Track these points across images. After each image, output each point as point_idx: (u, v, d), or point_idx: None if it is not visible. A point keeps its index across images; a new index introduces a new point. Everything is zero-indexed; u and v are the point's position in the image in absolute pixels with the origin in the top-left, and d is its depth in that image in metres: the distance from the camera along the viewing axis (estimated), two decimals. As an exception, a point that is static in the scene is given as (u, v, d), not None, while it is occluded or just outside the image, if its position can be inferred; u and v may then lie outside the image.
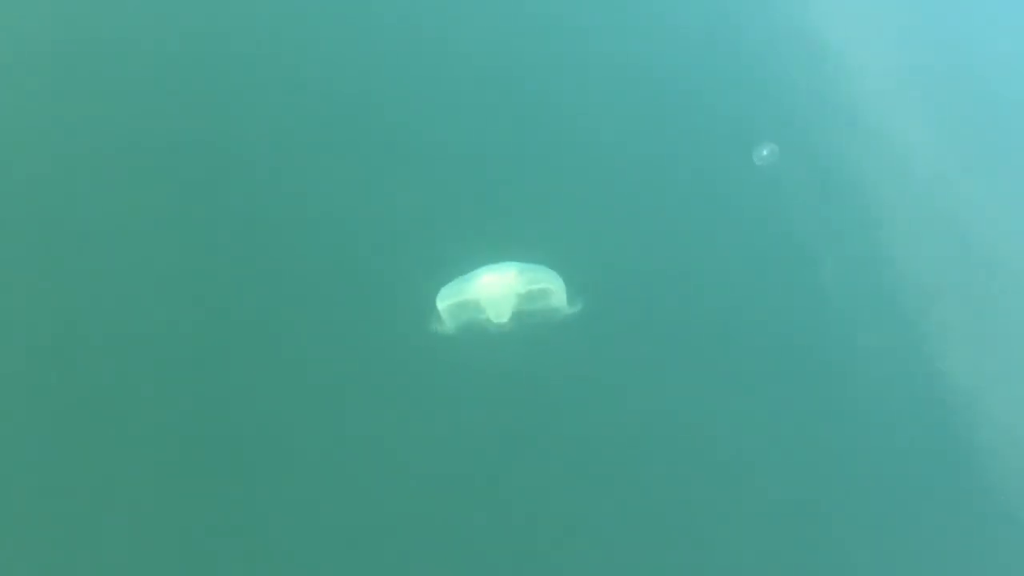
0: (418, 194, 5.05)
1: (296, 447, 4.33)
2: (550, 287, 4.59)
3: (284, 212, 4.93)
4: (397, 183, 5.07)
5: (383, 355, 4.60)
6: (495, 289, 4.52)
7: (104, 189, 4.78)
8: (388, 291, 4.74)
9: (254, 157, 5.04)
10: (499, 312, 4.48)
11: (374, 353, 4.61)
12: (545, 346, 4.57)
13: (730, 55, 6.25)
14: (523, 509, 4.37)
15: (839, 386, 5.10)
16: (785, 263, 5.49)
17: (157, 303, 4.52)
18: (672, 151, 5.65)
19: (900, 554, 4.67)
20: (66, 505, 4.04)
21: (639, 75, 5.88)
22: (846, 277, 5.44)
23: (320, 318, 4.67)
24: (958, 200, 6.08)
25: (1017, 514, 4.90)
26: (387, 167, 5.15)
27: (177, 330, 4.47)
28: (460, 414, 4.49)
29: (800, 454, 4.84)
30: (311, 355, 4.55)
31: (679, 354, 4.92)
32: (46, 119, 4.92)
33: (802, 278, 5.42)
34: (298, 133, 5.17)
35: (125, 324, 4.44)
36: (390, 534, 4.21)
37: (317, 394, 4.46)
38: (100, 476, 4.11)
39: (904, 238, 5.82)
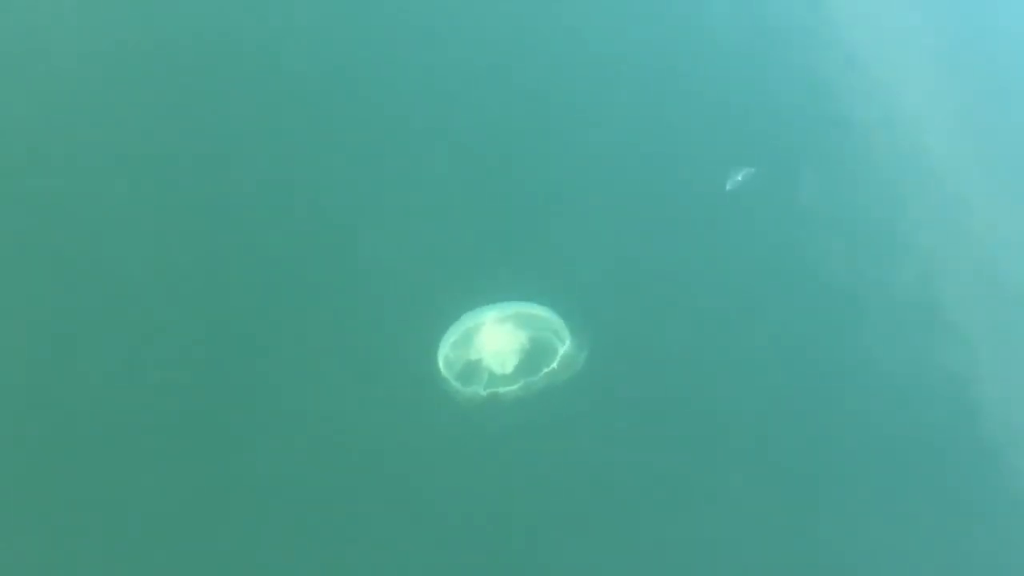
0: (418, 230, 5.02)
1: (289, 494, 4.29)
2: (553, 338, 4.59)
3: (285, 234, 4.94)
4: (399, 218, 5.06)
5: (380, 401, 4.52)
6: (499, 344, 4.55)
7: (104, 192, 4.82)
8: (388, 331, 4.70)
9: (258, 172, 5.07)
10: (503, 366, 4.51)
11: (372, 399, 4.54)
12: (550, 399, 4.52)
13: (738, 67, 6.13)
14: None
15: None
16: (795, 281, 5.40)
17: (157, 312, 4.56)
18: (672, 179, 5.53)
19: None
20: (63, 505, 4.09)
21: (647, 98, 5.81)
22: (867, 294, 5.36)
23: (315, 357, 4.62)
24: (977, 202, 5.93)
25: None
26: (389, 200, 5.13)
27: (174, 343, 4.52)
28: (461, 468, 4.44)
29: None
30: (307, 395, 4.51)
31: (682, 409, 4.81)
32: (51, 123, 4.98)
33: (818, 303, 5.30)
34: (300, 158, 5.17)
35: (120, 332, 4.48)
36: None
37: (308, 439, 4.42)
38: (95, 482, 4.15)
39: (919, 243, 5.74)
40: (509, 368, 4.52)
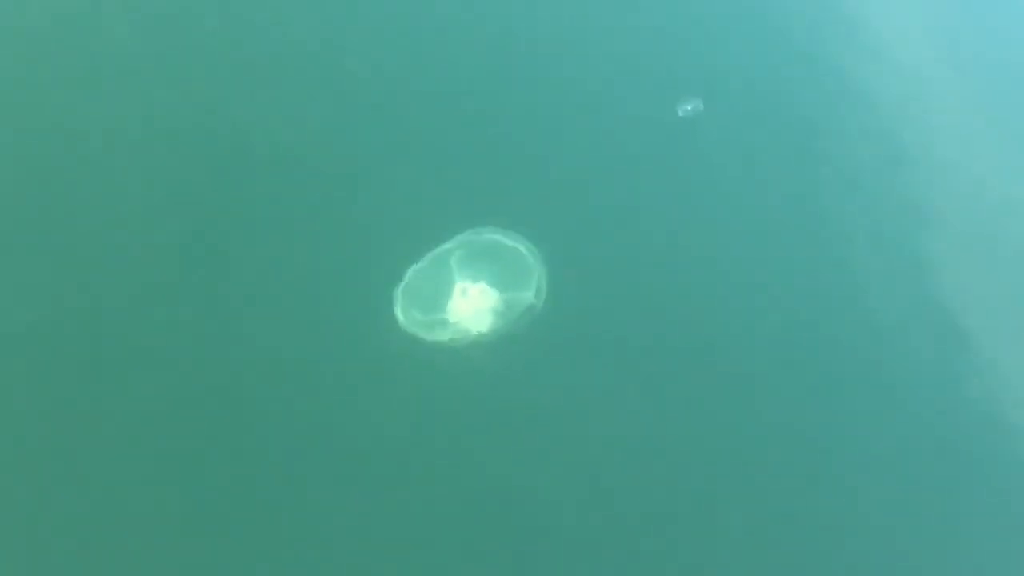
0: (380, 168, 5.25)
1: (267, 446, 4.51)
2: (524, 292, 4.68)
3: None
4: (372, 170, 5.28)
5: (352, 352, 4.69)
6: (471, 303, 4.68)
7: (86, 182, 5.23)
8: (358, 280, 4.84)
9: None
10: (479, 324, 4.64)
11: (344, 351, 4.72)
12: (523, 347, 4.59)
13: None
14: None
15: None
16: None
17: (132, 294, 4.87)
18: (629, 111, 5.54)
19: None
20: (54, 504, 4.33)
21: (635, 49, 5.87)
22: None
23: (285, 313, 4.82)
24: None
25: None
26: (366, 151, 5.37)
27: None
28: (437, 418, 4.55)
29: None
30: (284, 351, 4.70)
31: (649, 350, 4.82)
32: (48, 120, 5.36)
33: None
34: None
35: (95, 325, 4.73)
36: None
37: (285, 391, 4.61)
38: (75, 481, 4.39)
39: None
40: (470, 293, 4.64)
